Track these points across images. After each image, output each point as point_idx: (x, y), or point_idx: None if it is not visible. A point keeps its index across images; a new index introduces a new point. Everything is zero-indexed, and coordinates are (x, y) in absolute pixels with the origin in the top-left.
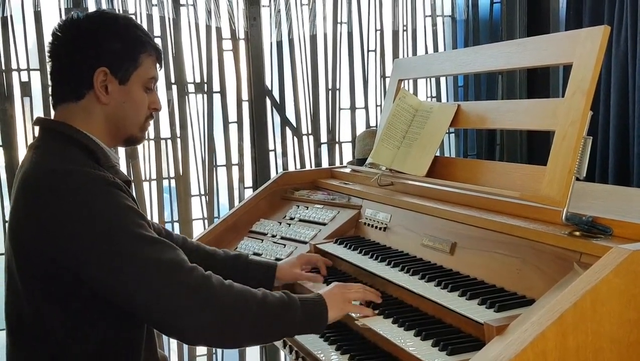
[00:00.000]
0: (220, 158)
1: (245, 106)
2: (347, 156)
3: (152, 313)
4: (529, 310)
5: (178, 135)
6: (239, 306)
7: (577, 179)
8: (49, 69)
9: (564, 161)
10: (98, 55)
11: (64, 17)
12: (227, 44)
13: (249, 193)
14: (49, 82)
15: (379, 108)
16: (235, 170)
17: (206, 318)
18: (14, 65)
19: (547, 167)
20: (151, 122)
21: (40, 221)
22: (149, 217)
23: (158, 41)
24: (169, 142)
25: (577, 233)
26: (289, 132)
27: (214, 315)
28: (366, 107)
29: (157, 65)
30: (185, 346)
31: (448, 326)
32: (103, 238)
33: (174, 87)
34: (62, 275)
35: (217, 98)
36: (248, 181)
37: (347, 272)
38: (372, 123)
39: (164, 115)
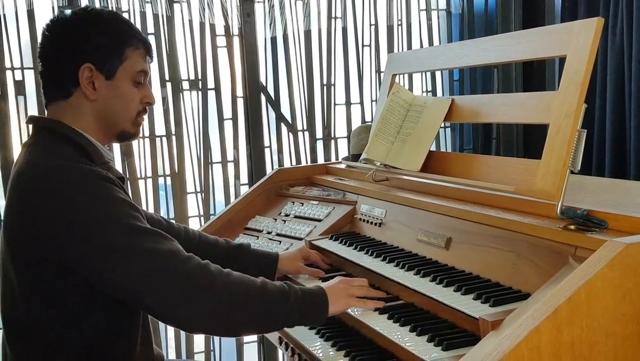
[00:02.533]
0: (216, 155)
1: (240, 103)
2: (343, 151)
3: (151, 304)
4: (524, 304)
5: (173, 132)
6: (238, 294)
7: (572, 172)
8: (39, 69)
9: (558, 154)
10: (82, 51)
11: (51, 17)
12: (221, 41)
13: (244, 190)
14: (41, 81)
15: (374, 103)
16: (230, 166)
17: (205, 306)
18: (7, 64)
19: (541, 161)
20: (145, 117)
21: (34, 217)
22: None
23: (152, 38)
24: (164, 139)
25: (572, 226)
26: (284, 128)
27: (213, 302)
28: (361, 102)
29: (148, 58)
30: (183, 343)
31: (443, 321)
32: (97, 232)
33: (169, 84)
34: (55, 272)
35: (211, 95)
36: (244, 177)
37: (343, 268)
38: (368, 118)
39: (158, 112)
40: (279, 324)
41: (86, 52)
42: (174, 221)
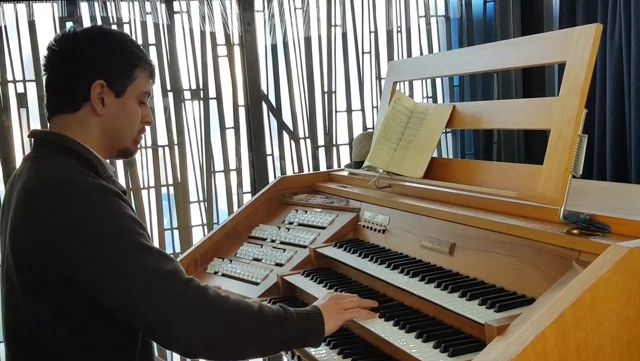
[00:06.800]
0: (218, 164)
1: (242, 111)
2: (345, 158)
3: (148, 323)
4: (529, 309)
5: (175, 142)
6: (235, 318)
7: (574, 177)
8: (45, 81)
9: (560, 159)
10: (96, 67)
11: (59, 32)
12: (222, 50)
13: (247, 198)
14: (45, 94)
15: (375, 110)
16: (233, 175)
17: (201, 330)
18: (9, 77)
19: (543, 166)
20: (143, 135)
21: (41, 230)
22: (147, 225)
23: (152, 49)
24: (167, 149)
25: (575, 231)
26: (286, 136)
27: (210, 326)
28: (362, 109)
29: (151, 80)
30: None
31: (449, 327)
32: (103, 247)
33: (170, 94)
34: (60, 285)
35: (213, 104)
36: (246, 186)
37: (347, 275)
38: (369, 125)
39: (160, 122)
40: (276, 348)
41: (99, 68)
42: (177, 232)
